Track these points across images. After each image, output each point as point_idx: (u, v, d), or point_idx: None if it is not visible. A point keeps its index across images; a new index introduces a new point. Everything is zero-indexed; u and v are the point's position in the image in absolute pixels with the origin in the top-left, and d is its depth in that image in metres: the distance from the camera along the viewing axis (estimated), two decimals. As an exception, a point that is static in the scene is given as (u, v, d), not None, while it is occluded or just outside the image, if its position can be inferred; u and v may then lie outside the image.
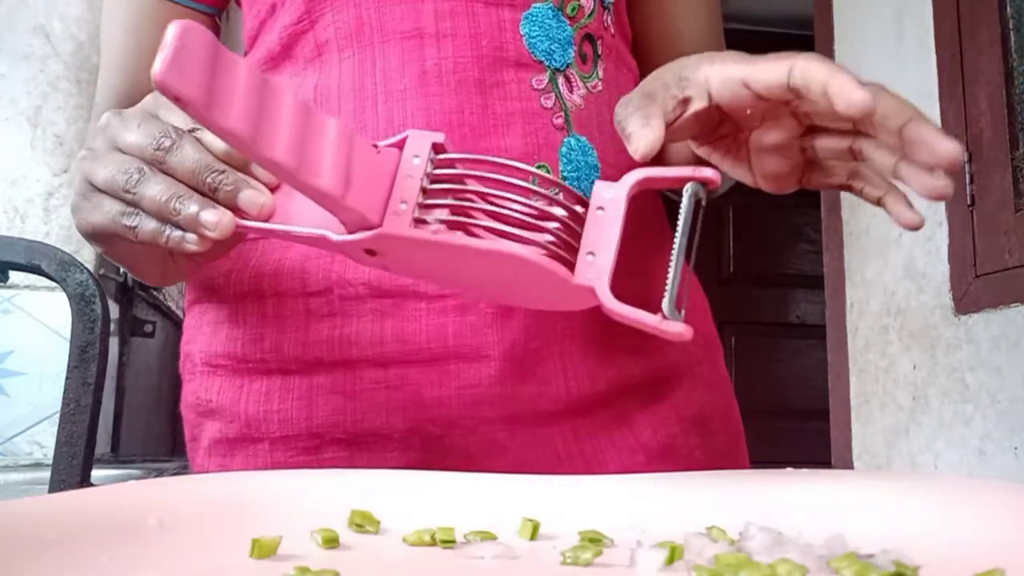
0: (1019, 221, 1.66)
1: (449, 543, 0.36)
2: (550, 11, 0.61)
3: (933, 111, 1.89)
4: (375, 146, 0.42)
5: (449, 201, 0.41)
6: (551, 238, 0.41)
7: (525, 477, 0.44)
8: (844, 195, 2.21)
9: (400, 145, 0.42)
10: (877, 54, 2.10)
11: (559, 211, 0.42)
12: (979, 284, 1.73)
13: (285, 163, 0.39)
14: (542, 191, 0.42)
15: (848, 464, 2.10)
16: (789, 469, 0.44)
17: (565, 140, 0.60)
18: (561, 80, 0.61)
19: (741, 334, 3.44)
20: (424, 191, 0.41)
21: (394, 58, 0.59)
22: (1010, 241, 1.67)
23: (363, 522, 0.37)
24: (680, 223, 0.42)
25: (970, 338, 1.75)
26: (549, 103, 0.60)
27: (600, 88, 0.63)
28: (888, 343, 2.00)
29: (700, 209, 0.43)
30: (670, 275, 0.41)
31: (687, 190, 0.42)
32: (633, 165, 0.44)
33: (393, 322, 0.58)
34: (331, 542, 0.35)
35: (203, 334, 0.65)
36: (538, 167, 0.58)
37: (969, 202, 1.77)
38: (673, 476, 0.45)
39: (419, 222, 0.41)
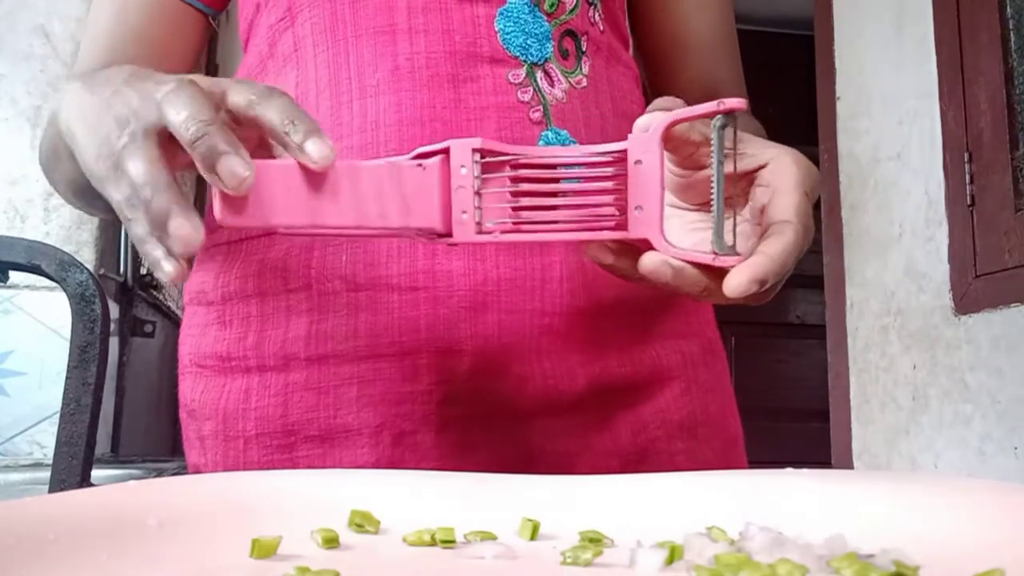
0: (1019, 221, 1.66)
1: (449, 543, 0.36)
2: (526, 6, 0.61)
3: (933, 111, 1.89)
4: (420, 165, 0.45)
5: (504, 205, 0.45)
6: (600, 205, 0.45)
7: (525, 477, 0.44)
8: (844, 195, 2.21)
9: (445, 151, 0.46)
10: (877, 54, 2.10)
11: (601, 175, 0.45)
12: (979, 284, 1.73)
13: (349, 225, 0.43)
14: (580, 162, 0.45)
15: (848, 464, 2.10)
16: (789, 469, 0.43)
17: (543, 134, 0.60)
18: (540, 74, 0.61)
19: (741, 334, 3.44)
20: (478, 194, 0.45)
21: (367, 52, 0.60)
22: (1010, 241, 1.67)
23: (363, 522, 0.37)
24: (714, 159, 0.44)
25: (970, 338, 1.75)
26: (527, 97, 0.60)
27: (585, 84, 0.63)
28: (888, 343, 2.00)
29: (735, 134, 0.45)
30: (713, 210, 0.44)
31: (715, 124, 0.44)
32: None
33: (366, 315, 0.58)
34: (331, 542, 0.35)
35: (192, 336, 0.65)
36: None
37: (969, 202, 1.77)
38: (673, 476, 0.45)
39: (481, 224, 0.45)
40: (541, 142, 0.59)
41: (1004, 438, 1.66)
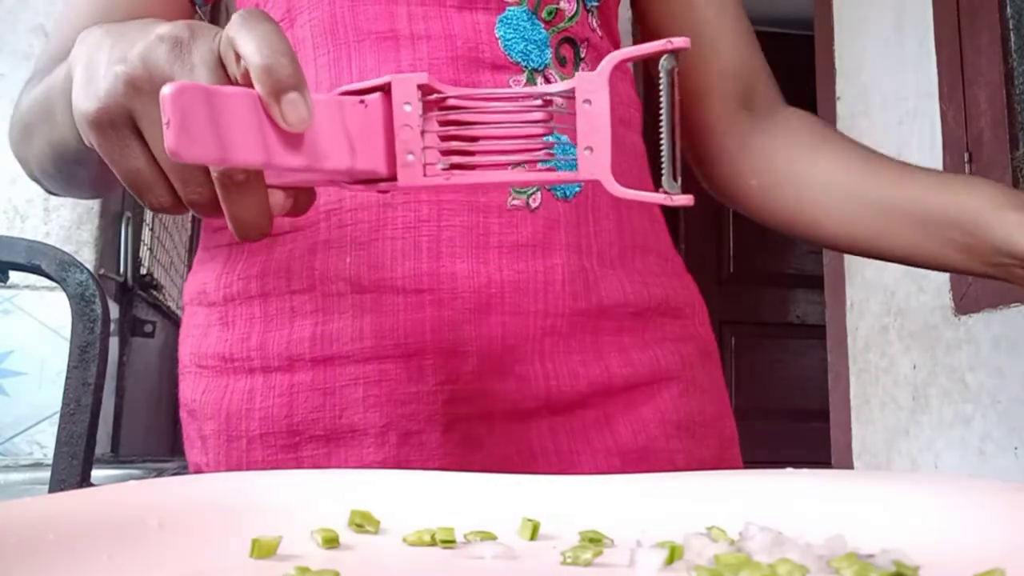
0: (1019, 221, 1.66)
1: (449, 543, 0.36)
2: (524, 14, 0.61)
3: (933, 111, 1.89)
4: (362, 102, 0.42)
5: (453, 146, 0.43)
6: (549, 144, 0.44)
7: (525, 477, 0.44)
8: (844, 195, 2.21)
9: (384, 88, 0.43)
10: (877, 54, 2.10)
11: (550, 112, 0.44)
12: (979, 284, 1.73)
13: (300, 165, 0.40)
14: (529, 98, 0.44)
15: (848, 464, 2.10)
16: (789, 469, 0.43)
17: (543, 138, 0.60)
18: (540, 80, 0.61)
19: (741, 334, 3.44)
20: (423, 133, 0.43)
21: (370, 58, 0.60)
22: (1010, 241, 1.67)
23: (363, 522, 0.37)
24: (663, 97, 0.44)
25: (970, 338, 1.75)
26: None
27: None
28: (888, 343, 2.00)
29: (675, 79, 0.44)
30: (664, 150, 0.44)
31: (663, 65, 0.44)
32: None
33: (372, 317, 0.58)
34: (331, 542, 0.35)
35: (193, 336, 0.66)
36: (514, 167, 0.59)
37: (969, 202, 1.77)
38: (673, 476, 0.45)
39: (428, 166, 0.43)
40: None
41: (1004, 438, 1.66)
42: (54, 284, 0.85)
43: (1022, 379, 1.62)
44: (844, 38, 2.24)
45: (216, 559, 0.33)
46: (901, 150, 2.01)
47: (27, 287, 1.73)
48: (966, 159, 1.78)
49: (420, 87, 0.42)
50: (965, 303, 1.76)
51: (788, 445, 2.75)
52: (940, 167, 1.86)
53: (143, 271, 2.12)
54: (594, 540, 0.35)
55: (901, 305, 1.96)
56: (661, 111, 0.44)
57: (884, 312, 2.02)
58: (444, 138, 0.43)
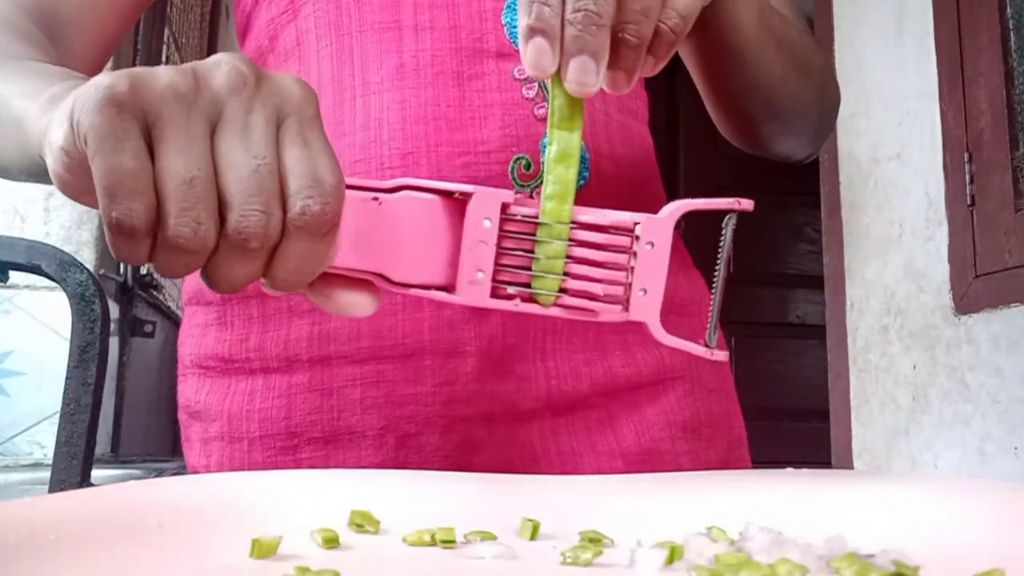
0: (1019, 221, 1.66)
1: (449, 543, 0.36)
2: None
3: (933, 111, 1.89)
4: (441, 191, 0.40)
5: (526, 272, 0.41)
6: (611, 284, 0.42)
7: (525, 477, 0.44)
8: (844, 195, 2.21)
9: (452, 193, 0.40)
10: (877, 54, 2.10)
11: (616, 251, 0.43)
12: (979, 284, 1.73)
13: (358, 267, 0.39)
14: (601, 237, 0.42)
15: (848, 464, 2.10)
16: (789, 469, 0.44)
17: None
18: None
19: (741, 334, 3.44)
20: (500, 253, 0.41)
21: (372, 49, 0.59)
22: (1010, 241, 1.67)
23: (363, 522, 0.37)
24: (722, 254, 0.44)
25: (970, 338, 1.75)
26: (531, 93, 0.59)
27: None
28: (888, 343, 2.00)
29: (732, 236, 0.45)
30: (713, 305, 0.44)
31: (727, 223, 0.43)
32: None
33: (369, 317, 0.58)
34: (331, 542, 0.35)
35: (193, 336, 0.65)
36: (517, 159, 0.58)
37: (969, 202, 1.77)
38: (673, 476, 0.45)
39: (496, 286, 0.41)
40: (544, 139, 0.59)
41: (1004, 438, 1.66)
42: (54, 284, 0.85)
43: (1022, 379, 1.62)
44: (844, 38, 2.24)
45: (216, 559, 0.33)
46: (901, 150, 2.01)
47: (27, 287, 1.73)
48: (966, 159, 1.78)
49: (505, 204, 0.40)
50: (965, 303, 1.76)
51: (788, 445, 2.75)
52: (940, 167, 1.86)
53: (143, 271, 2.12)
54: (594, 540, 0.35)
55: (901, 305, 1.97)
56: (717, 265, 0.44)
57: (884, 312, 2.02)
58: (508, 254, 0.40)
